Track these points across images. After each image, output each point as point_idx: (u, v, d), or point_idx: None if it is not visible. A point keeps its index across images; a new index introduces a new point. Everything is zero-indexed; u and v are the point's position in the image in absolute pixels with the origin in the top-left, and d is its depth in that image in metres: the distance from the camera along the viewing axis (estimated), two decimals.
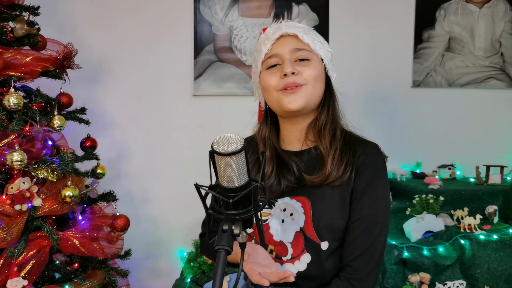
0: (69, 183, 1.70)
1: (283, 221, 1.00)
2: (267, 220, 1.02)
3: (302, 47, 0.98)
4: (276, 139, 1.08)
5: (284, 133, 1.08)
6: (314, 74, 0.98)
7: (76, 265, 1.82)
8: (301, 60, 0.98)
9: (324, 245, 0.97)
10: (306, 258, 0.98)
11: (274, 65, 1.00)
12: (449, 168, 2.50)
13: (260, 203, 0.76)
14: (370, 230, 0.95)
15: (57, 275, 1.78)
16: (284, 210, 1.00)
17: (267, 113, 1.10)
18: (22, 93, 1.77)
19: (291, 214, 1.00)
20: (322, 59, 1.01)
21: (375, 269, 0.96)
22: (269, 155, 1.04)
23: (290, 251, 0.99)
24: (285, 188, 1.00)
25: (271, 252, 1.01)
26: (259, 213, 0.77)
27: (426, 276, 1.86)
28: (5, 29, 1.70)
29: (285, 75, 0.96)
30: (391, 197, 2.33)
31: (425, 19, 2.54)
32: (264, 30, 1.07)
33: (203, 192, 0.75)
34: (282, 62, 0.98)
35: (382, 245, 0.97)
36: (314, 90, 0.99)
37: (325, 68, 1.02)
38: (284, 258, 0.99)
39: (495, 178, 2.33)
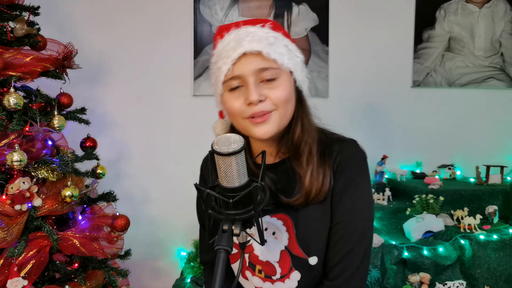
0: (69, 183, 1.70)
1: (266, 241, 0.92)
2: (249, 241, 0.95)
3: (267, 65, 0.85)
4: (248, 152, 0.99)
5: (254, 146, 1.00)
6: (284, 95, 0.87)
7: (76, 265, 1.82)
8: (268, 79, 0.86)
9: (313, 260, 0.92)
10: (295, 275, 0.94)
11: (237, 87, 0.87)
12: (449, 168, 2.50)
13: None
14: (349, 235, 0.90)
15: (57, 275, 1.78)
16: (266, 229, 0.95)
17: (232, 127, 0.98)
18: (22, 93, 1.76)
19: (274, 233, 0.95)
20: (291, 71, 0.89)
21: (356, 275, 0.90)
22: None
23: (279, 270, 0.95)
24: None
25: (259, 272, 0.98)
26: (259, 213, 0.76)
27: (426, 276, 1.86)
28: (5, 29, 1.70)
29: (251, 103, 0.85)
30: (390, 198, 2.32)
31: (425, 19, 2.54)
32: (220, 30, 0.91)
33: (203, 192, 0.75)
34: (246, 85, 0.85)
35: (364, 249, 0.90)
36: (286, 113, 0.89)
37: (296, 80, 0.91)
38: (273, 277, 0.96)
39: (495, 178, 2.33)
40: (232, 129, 0.99)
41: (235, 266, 1.03)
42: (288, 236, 0.94)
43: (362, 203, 0.92)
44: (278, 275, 0.95)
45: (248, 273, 1.00)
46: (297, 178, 0.92)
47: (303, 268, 0.93)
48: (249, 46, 0.84)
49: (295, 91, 0.92)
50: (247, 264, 1.00)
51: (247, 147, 0.92)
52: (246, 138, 0.96)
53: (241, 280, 1.04)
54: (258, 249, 0.97)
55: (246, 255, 1.00)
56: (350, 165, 0.92)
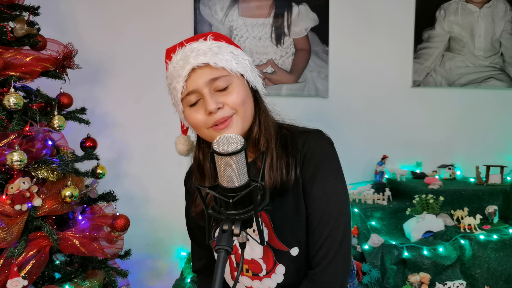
0: (69, 183, 1.70)
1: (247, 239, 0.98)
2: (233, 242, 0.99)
3: (217, 74, 0.88)
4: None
5: None
6: (240, 98, 0.90)
7: (76, 265, 1.82)
8: (221, 89, 0.90)
9: (294, 251, 0.95)
10: (280, 269, 0.97)
11: (196, 102, 0.91)
12: (449, 168, 2.50)
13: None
14: (325, 221, 0.92)
15: (57, 275, 1.78)
16: None
17: (199, 139, 1.02)
18: (22, 93, 1.76)
19: (254, 231, 0.97)
20: (242, 75, 0.93)
21: (337, 258, 0.91)
22: (208, 185, 0.97)
23: (264, 266, 0.98)
24: None
25: (247, 271, 1.00)
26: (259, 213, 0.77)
27: (426, 276, 1.86)
28: (5, 29, 1.70)
29: (211, 112, 0.88)
30: (390, 198, 2.33)
31: (425, 19, 2.54)
32: (168, 53, 0.96)
33: (203, 192, 0.76)
34: (203, 97, 0.89)
35: (341, 234, 0.92)
36: (246, 115, 0.92)
37: (248, 82, 0.94)
38: (260, 275, 0.98)
39: (495, 178, 2.33)
40: (198, 144, 1.03)
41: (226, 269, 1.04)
42: (267, 232, 0.96)
43: (333, 187, 0.93)
44: (264, 272, 0.98)
45: (236, 274, 1.01)
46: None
47: (286, 261, 0.96)
48: (195, 61, 0.88)
49: (251, 92, 0.95)
50: (234, 265, 1.02)
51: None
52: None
53: (231, 282, 1.05)
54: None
55: (232, 256, 1.02)
56: (316, 153, 0.94)
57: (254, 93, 0.97)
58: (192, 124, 0.95)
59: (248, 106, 0.93)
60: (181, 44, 0.93)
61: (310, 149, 0.94)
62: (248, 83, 0.94)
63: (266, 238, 0.96)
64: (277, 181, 0.92)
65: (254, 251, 0.98)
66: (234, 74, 0.91)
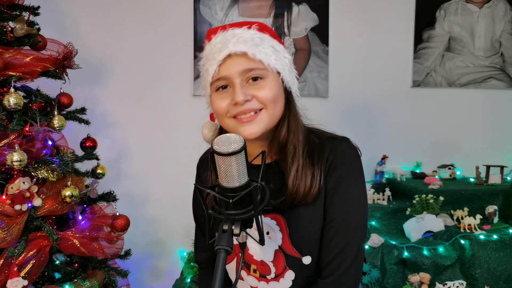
0: (69, 183, 1.70)
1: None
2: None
3: (253, 66, 0.85)
4: None
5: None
6: (271, 95, 0.87)
7: (76, 265, 1.82)
8: (254, 79, 0.87)
9: (307, 260, 0.93)
10: (290, 275, 0.95)
11: (224, 86, 0.88)
12: (449, 168, 2.50)
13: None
14: (342, 232, 0.90)
15: (57, 275, 1.78)
16: None
17: (221, 128, 0.99)
18: (22, 93, 1.76)
19: (268, 233, 0.95)
20: (278, 72, 0.89)
21: (350, 272, 0.90)
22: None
23: (273, 269, 0.96)
24: None
25: (254, 271, 0.98)
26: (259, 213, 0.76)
27: (426, 276, 1.86)
28: (5, 29, 1.70)
29: (237, 103, 0.86)
30: (390, 198, 2.33)
31: (425, 19, 2.54)
32: (209, 34, 0.92)
33: (203, 192, 0.76)
34: (233, 86, 0.86)
35: (357, 247, 0.90)
36: (274, 113, 0.89)
37: (283, 81, 0.91)
38: (268, 277, 0.96)
39: (495, 178, 2.33)
40: (221, 131, 0.99)
41: (230, 267, 1.03)
42: (282, 236, 0.94)
43: (355, 200, 0.91)
44: (272, 275, 0.96)
45: (243, 273, 1.01)
46: (284, 183, 0.91)
47: (297, 268, 0.94)
48: (234, 47, 0.85)
49: (283, 92, 0.92)
50: (240, 263, 1.00)
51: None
52: None
53: (234, 277, 1.04)
54: (252, 249, 0.97)
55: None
56: (342, 162, 0.91)
57: (287, 94, 0.94)
58: (215, 111, 0.91)
59: (278, 105, 0.90)
60: (224, 28, 0.90)
61: (336, 158, 0.91)
62: (283, 82, 0.91)
63: (279, 242, 0.94)
64: (300, 190, 0.89)
65: (265, 253, 0.95)
66: (270, 69, 0.87)
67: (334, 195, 0.91)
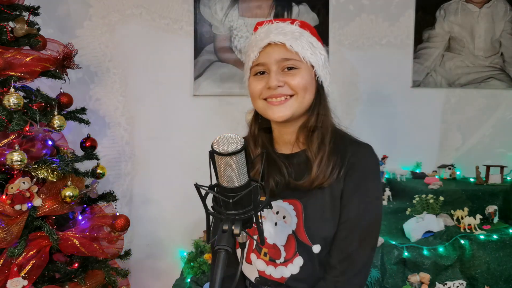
0: (69, 183, 1.70)
1: (276, 223, 0.99)
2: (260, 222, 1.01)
3: (290, 56, 0.95)
4: (267, 139, 1.07)
5: (275, 133, 1.07)
6: (303, 83, 0.95)
7: (76, 265, 1.82)
8: (289, 68, 0.95)
9: (316, 248, 0.96)
10: (299, 261, 0.97)
11: (262, 72, 0.98)
12: (449, 168, 2.50)
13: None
14: (356, 233, 0.94)
15: (57, 275, 1.78)
16: (277, 213, 0.99)
17: (257, 113, 1.07)
18: (22, 93, 1.77)
19: (284, 217, 0.98)
20: (312, 66, 0.98)
21: (360, 273, 0.94)
22: (259, 153, 1.03)
23: (283, 254, 0.98)
24: (273, 188, 0.99)
25: (265, 254, 1.00)
26: (259, 213, 0.77)
27: (426, 276, 1.86)
28: (5, 29, 1.70)
29: (270, 88, 0.94)
30: (390, 198, 2.33)
31: (425, 19, 2.54)
32: (259, 24, 1.03)
33: (203, 192, 0.75)
34: (269, 72, 0.96)
35: (369, 249, 0.95)
36: (303, 100, 0.96)
37: (316, 75, 0.99)
38: (277, 261, 0.98)
39: (495, 178, 2.33)
40: (255, 117, 1.08)
41: (239, 251, 1.04)
42: (297, 222, 0.97)
43: (371, 205, 0.96)
44: (282, 259, 0.98)
45: (253, 256, 1.02)
46: (309, 167, 0.97)
47: (306, 255, 0.96)
48: (275, 37, 0.95)
49: (315, 84, 0.99)
50: (253, 247, 1.02)
51: (266, 138, 1.06)
52: (269, 127, 1.07)
53: (244, 265, 1.05)
54: (267, 232, 1.00)
55: (255, 237, 1.01)
56: (362, 167, 0.96)
57: (319, 87, 1.01)
58: (250, 92, 1.00)
59: (308, 94, 0.97)
60: (270, 21, 1.00)
61: (358, 161, 0.96)
62: (315, 76, 0.98)
63: (294, 227, 0.97)
64: (322, 176, 0.94)
65: (278, 236, 0.98)
66: (305, 62, 0.96)
67: (352, 197, 0.95)
